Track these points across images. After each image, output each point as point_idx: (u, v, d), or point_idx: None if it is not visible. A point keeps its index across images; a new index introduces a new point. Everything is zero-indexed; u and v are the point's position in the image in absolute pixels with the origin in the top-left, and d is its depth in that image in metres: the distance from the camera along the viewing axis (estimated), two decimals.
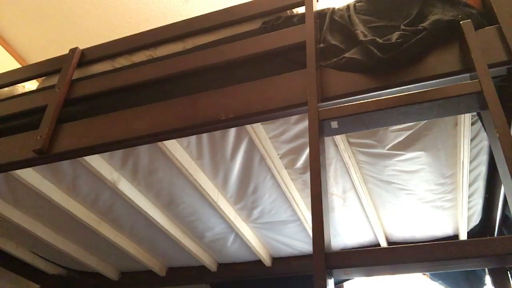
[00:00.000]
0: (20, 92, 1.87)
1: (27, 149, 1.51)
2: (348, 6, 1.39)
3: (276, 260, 2.57)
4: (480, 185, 1.88)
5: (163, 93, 1.47)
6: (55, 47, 2.88)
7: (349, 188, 1.99)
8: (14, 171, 1.76)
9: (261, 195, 2.04)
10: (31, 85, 2.01)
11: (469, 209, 1.99)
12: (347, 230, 2.28)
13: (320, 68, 1.27)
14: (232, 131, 1.73)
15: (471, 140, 1.65)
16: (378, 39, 1.20)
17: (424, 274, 2.32)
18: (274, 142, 1.79)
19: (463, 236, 2.13)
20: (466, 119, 1.55)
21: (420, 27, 1.17)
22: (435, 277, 2.30)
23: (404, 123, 1.45)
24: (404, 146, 1.69)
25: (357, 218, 2.17)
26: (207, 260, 2.56)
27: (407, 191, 1.93)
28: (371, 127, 1.25)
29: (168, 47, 1.62)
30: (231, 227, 2.22)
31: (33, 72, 1.87)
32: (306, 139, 1.73)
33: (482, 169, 1.80)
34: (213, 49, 1.48)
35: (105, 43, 1.76)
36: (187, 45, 1.59)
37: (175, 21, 1.65)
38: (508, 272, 2.02)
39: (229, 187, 2.01)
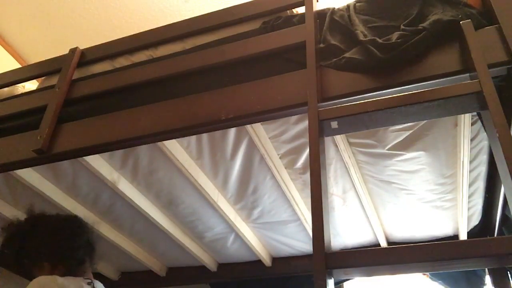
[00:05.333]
0: (20, 92, 1.87)
1: (27, 149, 1.51)
2: (348, 6, 1.39)
3: (276, 260, 2.57)
4: (480, 185, 1.88)
5: (163, 93, 1.47)
6: (55, 47, 2.88)
7: (349, 188, 1.99)
8: (14, 171, 1.76)
9: (261, 195, 2.04)
10: (31, 85, 2.00)
11: (469, 209, 1.99)
12: (347, 230, 2.28)
13: (320, 68, 1.27)
14: (232, 131, 1.73)
15: (471, 140, 1.65)
16: (378, 39, 1.20)
17: (424, 274, 2.32)
18: (274, 142, 1.79)
19: (463, 236, 2.13)
20: (466, 119, 1.55)
21: (420, 27, 1.17)
22: (435, 277, 2.30)
23: (404, 123, 1.45)
24: (404, 146, 1.69)
25: (357, 218, 2.17)
26: (207, 260, 2.56)
27: (407, 191, 1.93)
28: (371, 127, 1.25)
29: (168, 47, 1.62)
30: (231, 227, 2.22)
31: (33, 72, 1.87)
32: (306, 139, 1.73)
33: (482, 169, 1.80)
34: (213, 49, 1.48)
35: (105, 43, 1.76)
36: (187, 45, 1.59)
37: (175, 21, 1.65)
38: (508, 272, 2.02)
39: (229, 187, 2.01)
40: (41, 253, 1.42)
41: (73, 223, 1.55)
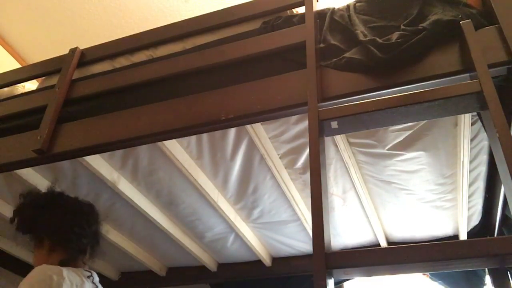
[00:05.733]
0: (20, 92, 1.87)
1: (27, 149, 1.51)
2: (348, 6, 1.39)
3: (276, 260, 2.57)
4: (480, 185, 1.88)
5: (163, 93, 1.47)
6: (55, 47, 2.88)
7: (349, 188, 1.99)
8: (14, 171, 1.76)
9: (261, 195, 2.04)
10: (31, 85, 2.00)
11: (469, 209, 1.99)
12: (347, 230, 2.28)
13: (320, 68, 1.27)
14: (232, 131, 1.73)
15: (471, 140, 1.65)
16: (378, 39, 1.20)
17: (424, 274, 2.32)
18: (274, 142, 1.79)
19: (463, 236, 2.13)
20: (466, 119, 1.55)
21: (420, 27, 1.17)
22: (435, 277, 2.30)
23: (404, 123, 1.45)
24: (404, 146, 1.69)
25: (357, 218, 2.17)
26: (207, 260, 2.56)
27: (407, 191, 1.93)
28: (371, 127, 1.25)
29: (168, 47, 1.62)
30: (231, 227, 2.22)
31: (33, 72, 1.87)
32: (306, 139, 1.73)
33: (482, 169, 1.80)
34: (213, 49, 1.48)
35: (105, 43, 1.76)
36: (187, 45, 1.59)
37: (175, 21, 1.65)
38: (508, 272, 2.02)
39: (229, 187, 2.01)
40: (46, 228, 1.41)
41: (88, 210, 1.54)
